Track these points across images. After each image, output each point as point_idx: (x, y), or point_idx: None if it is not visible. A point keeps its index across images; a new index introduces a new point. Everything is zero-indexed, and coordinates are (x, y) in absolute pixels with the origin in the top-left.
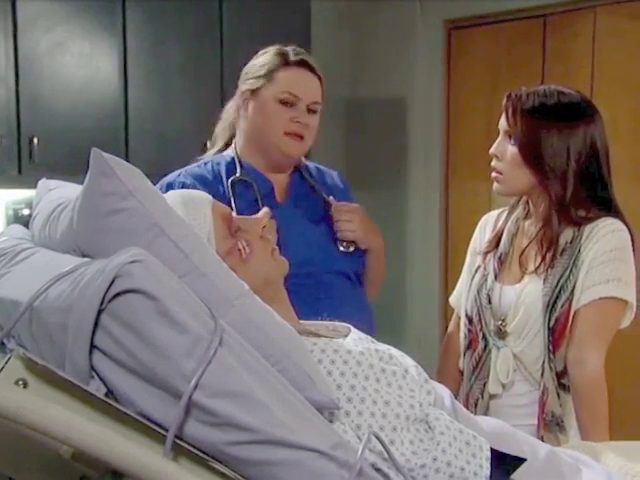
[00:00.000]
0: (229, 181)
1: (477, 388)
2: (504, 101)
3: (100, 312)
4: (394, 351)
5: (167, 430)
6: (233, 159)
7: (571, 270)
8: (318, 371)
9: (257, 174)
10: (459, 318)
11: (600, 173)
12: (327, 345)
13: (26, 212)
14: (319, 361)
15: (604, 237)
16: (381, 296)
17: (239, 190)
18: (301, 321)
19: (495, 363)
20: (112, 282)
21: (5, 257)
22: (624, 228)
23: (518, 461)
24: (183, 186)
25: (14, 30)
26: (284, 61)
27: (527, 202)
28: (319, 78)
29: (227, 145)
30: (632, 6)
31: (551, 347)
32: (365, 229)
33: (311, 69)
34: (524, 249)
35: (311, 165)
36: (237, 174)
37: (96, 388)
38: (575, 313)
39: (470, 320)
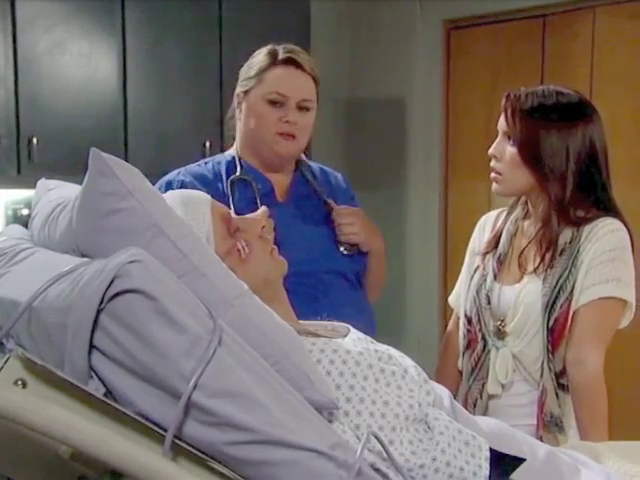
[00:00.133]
0: (228, 180)
1: (476, 388)
2: (503, 101)
3: (99, 312)
4: (393, 351)
5: (166, 430)
6: (234, 158)
7: (570, 270)
8: (317, 371)
9: (257, 174)
10: (458, 317)
11: (599, 173)
12: (326, 345)
13: (25, 212)
14: (318, 361)
15: (603, 237)
16: (380, 296)
17: (239, 189)
18: (300, 321)
19: (494, 363)
20: (111, 282)
21: (4, 257)
22: (623, 228)
23: (517, 461)
24: (182, 184)
25: (13, 30)
26: (273, 61)
27: (526, 202)
28: (310, 75)
29: None
30: (631, 6)
31: (550, 347)
32: (366, 232)
33: (300, 66)
34: (523, 249)
35: (315, 166)
36: (237, 173)
37: (95, 388)
38: (574, 313)
39: (469, 320)
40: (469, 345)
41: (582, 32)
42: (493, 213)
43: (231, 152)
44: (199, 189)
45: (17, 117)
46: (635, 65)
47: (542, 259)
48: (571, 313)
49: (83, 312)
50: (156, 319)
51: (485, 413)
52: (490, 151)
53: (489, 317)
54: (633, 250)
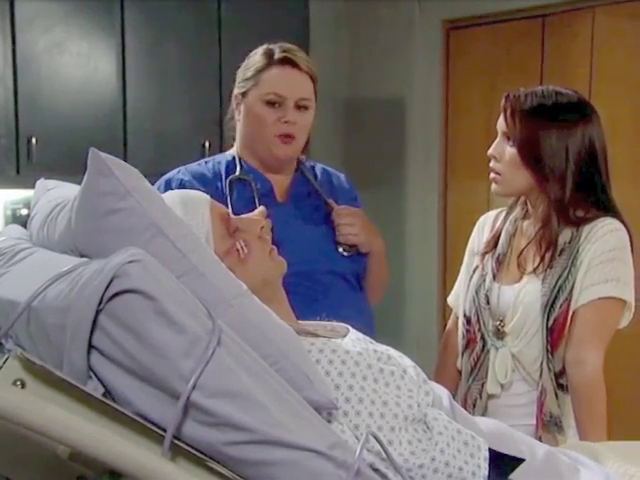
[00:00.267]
0: (227, 180)
1: (475, 388)
2: (502, 102)
3: (98, 312)
4: (392, 351)
5: (164, 430)
6: (234, 158)
7: (570, 270)
8: (316, 371)
9: (256, 174)
10: (457, 317)
11: (598, 173)
12: (325, 345)
13: (24, 212)
14: (317, 361)
15: (603, 237)
16: (382, 298)
17: (237, 189)
18: (299, 321)
19: (493, 363)
20: (110, 282)
21: (3, 257)
22: (622, 228)
23: (516, 461)
24: (181, 183)
25: (12, 30)
26: (269, 61)
27: (525, 202)
28: (307, 74)
29: None
30: (631, 6)
31: (549, 347)
32: (366, 233)
33: (296, 65)
34: (522, 250)
35: (318, 166)
36: (236, 173)
37: (94, 388)
38: (574, 313)
39: (468, 320)
40: (468, 345)
41: (581, 32)
42: (492, 213)
43: (232, 152)
44: (197, 188)
45: (16, 117)
46: (634, 65)
47: (542, 259)
48: (570, 313)
49: (82, 312)
50: (155, 319)
51: (484, 413)
52: (489, 151)
53: (488, 317)
54: (632, 250)
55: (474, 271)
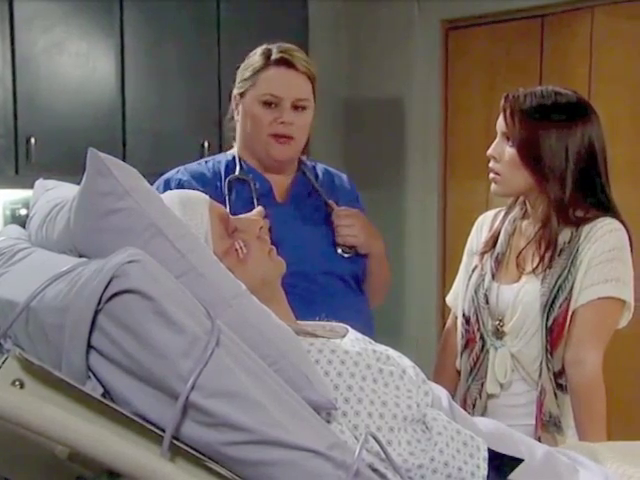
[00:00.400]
0: (226, 179)
1: (475, 388)
2: (502, 102)
3: (97, 312)
4: (391, 352)
5: (163, 430)
6: (234, 158)
7: (569, 270)
8: (315, 371)
9: (256, 174)
10: (456, 317)
11: (598, 173)
12: (324, 345)
13: (23, 212)
14: (316, 361)
15: (602, 237)
16: (383, 300)
17: (237, 189)
18: (298, 321)
19: (493, 363)
20: (109, 282)
21: (2, 257)
22: (622, 228)
23: (515, 461)
24: (179, 182)
25: (11, 30)
26: (266, 61)
27: (524, 202)
28: (305, 74)
29: None
30: (630, 6)
31: (549, 347)
32: (365, 234)
33: (292, 66)
34: (522, 250)
35: (319, 166)
36: (236, 173)
37: (92, 388)
38: (573, 313)
39: (467, 320)
40: (467, 345)
41: (581, 32)
42: (490, 213)
43: (233, 152)
44: (196, 188)
45: (15, 117)
46: (634, 65)
47: (541, 259)
48: (570, 313)
49: (81, 312)
50: (154, 319)
51: (484, 413)
52: (489, 152)
53: (487, 317)
54: (632, 250)
55: (473, 271)
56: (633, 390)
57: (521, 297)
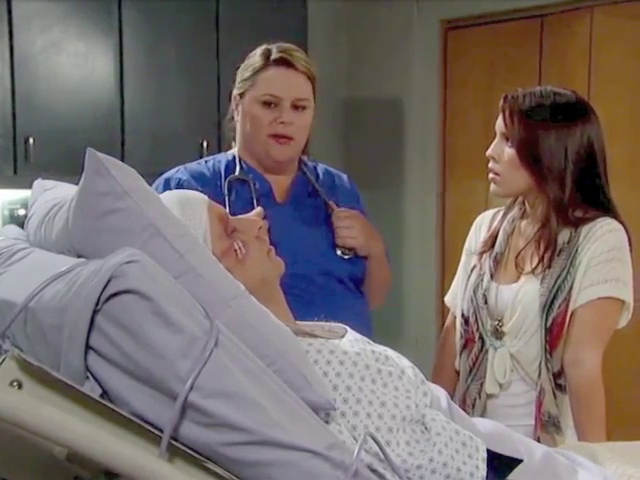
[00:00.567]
0: (226, 180)
1: (474, 388)
2: (501, 102)
3: (95, 312)
4: (390, 352)
5: (161, 430)
6: (234, 158)
7: (568, 270)
8: (314, 372)
9: (256, 174)
10: (455, 316)
11: (597, 173)
12: (323, 346)
13: (22, 212)
14: (315, 362)
15: (602, 237)
16: (383, 302)
17: (237, 189)
18: (297, 322)
19: (492, 363)
20: (108, 282)
21: (0, 257)
22: (621, 228)
23: (514, 462)
24: (179, 182)
25: (10, 29)
26: (266, 61)
27: (523, 202)
28: (305, 74)
29: None
30: (629, 6)
31: (548, 347)
32: (365, 236)
33: (292, 66)
34: (521, 250)
35: (320, 166)
36: (235, 173)
37: (90, 389)
38: (572, 313)
39: (466, 320)
40: (466, 345)
41: (580, 32)
42: (489, 213)
43: (233, 151)
44: (195, 188)
45: (13, 117)
46: (633, 65)
47: (540, 259)
48: (569, 313)
49: (79, 313)
50: (152, 320)
51: (483, 413)
52: (488, 152)
53: (486, 317)
54: (631, 250)
55: (472, 270)
56: (633, 390)
57: (520, 297)
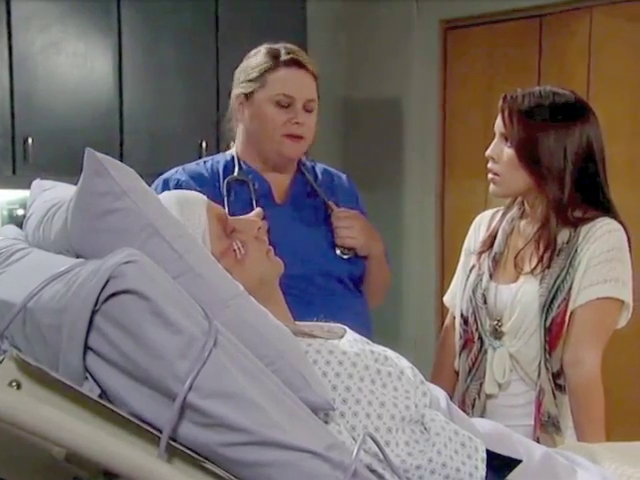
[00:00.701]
0: (225, 180)
1: (474, 388)
2: (500, 103)
3: (94, 313)
4: (390, 353)
5: (160, 431)
6: (233, 158)
7: (568, 270)
8: (313, 372)
9: (255, 174)
10: (454, 316)
11: (596, 173)
12: (322, 346)
13: (20, 212)
14: (314, 362)
15: (601, 237)
16: (382, 301)
17: (235, 190)
18: (296, 322)
19: (491, 363)
20: (106, 283)
21: None
22: (621, 228)
23: (513, 462)
24: (177, 183)
25: (8, 29)
26: (275, 62)
27: (522, 202)
28: (312, 75)
29: None
30: (628, 6)
31: (547, 347)
32: (365, 236)
33: (303, 67)
34: (520, 250)
35: (319, 166)
36: (234, 173)
37: (89, 389)
38: (572, 313)
39: (465, 320)
40: (466, 345)
41: (579, 32)
42: (488, 212)
43: (231, 152)
44: (194, 188)
45: (12, 117)
46: (632, 65)
47: (540, 259)
48: (568, 313)
49: (78, 313)
50: (151, 320)
51: (483, 413)
52: (487, 152)
53: (485, 317)
54: (630, 250)
55: (471, 270)
56: (632, 390)
57: (519, 297)
